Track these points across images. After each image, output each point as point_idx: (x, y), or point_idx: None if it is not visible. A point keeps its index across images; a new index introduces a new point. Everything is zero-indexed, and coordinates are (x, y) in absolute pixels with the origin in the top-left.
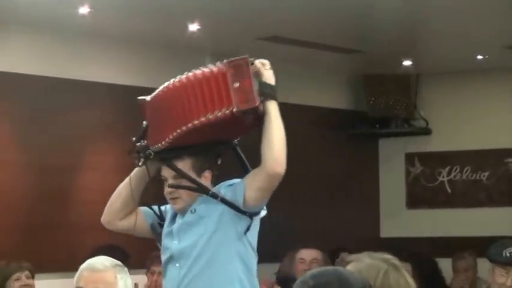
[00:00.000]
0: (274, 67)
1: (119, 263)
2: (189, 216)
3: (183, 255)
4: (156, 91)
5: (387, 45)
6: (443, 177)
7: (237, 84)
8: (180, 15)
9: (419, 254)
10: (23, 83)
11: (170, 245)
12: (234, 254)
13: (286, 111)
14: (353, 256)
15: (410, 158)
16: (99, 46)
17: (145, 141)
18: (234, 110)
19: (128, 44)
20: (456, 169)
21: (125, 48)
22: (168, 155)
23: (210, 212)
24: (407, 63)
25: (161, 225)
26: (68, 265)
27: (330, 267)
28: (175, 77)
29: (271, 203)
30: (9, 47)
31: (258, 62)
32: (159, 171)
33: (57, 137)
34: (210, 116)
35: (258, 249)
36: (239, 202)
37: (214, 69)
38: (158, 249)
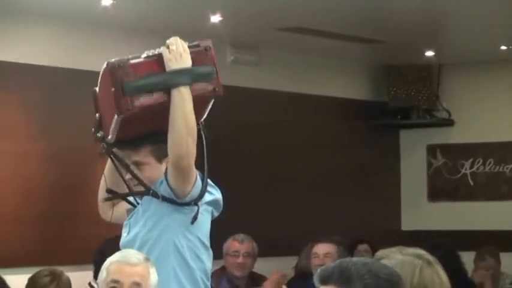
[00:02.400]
0: (296, 58)
1: (148, 257)
2: (138, 209)
3: (127, 248)
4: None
5: (409, 36)
6: (465, 169)
7: (113, 89)
8: (202, 7)
9: (442, 247)
10: (44, 74)
11: (123, 236)
12: (172, 249)
13: (306, 101)
14: (382, 252)
15: (432, 149)
16: (121, 38)
17: (102, 133)
18: (117, 117)
19: (150, 35)
20: (479, 161)
21: (146, 40)
22: (125, 145)
23: (150, 206)
24: (429, 53)
25: None
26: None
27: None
28: None
29: (292, 194)
30: (29, 38)
31: (164, 47)
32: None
33: (77, 128)
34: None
35: (278, 242)
36: (171, 195)
37: (105, 68)
38: None
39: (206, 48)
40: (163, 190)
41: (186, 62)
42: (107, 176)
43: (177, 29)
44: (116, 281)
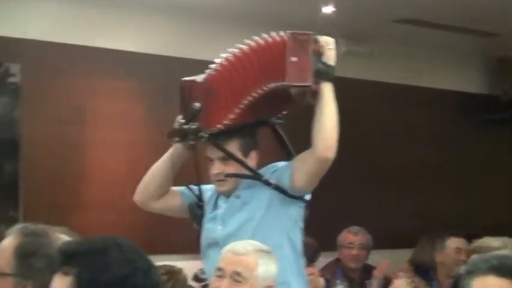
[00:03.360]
0: (408, 50)
1: (265, 248)
2: (233, 201)
3: (229, 242)
4: (207, 72)
5: None
6: None
7: (294, 59)
8: None
9: None
10: (160, 63)
11: (214, 229)
12: (286, 238)
13: (418, 94)
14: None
15: None
16: (233, 28)
17: (197, 124)
18: (285, 83)
19: (261, 25)
20: None
21: (256, 30)
22: (217, 137)
23: (255, 197)
24: None
25: (199, 206)
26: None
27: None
28: None
29: (405, 187)
30: (145, 28)
31: (322, 40)
32: (184, 154)
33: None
34: (264, 88)
35: (392, 234)
36: (287, 186)
37: (277, 38)
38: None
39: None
40: (277, 179)
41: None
42: (175, 165)
43: (289, 19)
44: (220, 269)
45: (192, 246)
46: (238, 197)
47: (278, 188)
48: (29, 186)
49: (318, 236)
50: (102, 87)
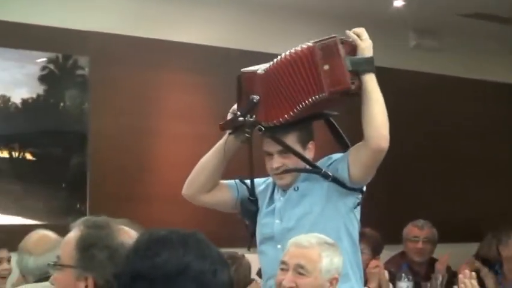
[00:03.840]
0: (477, 44)
1: (330, 241)
2: (292, 194)
3: (286, 236)
4: (267, 65)
5: None
6: None
7: (326, 67)
8: None
9: None
10: (227, 56)
11: (271, 224)
12: (344, 231)
13: (487, 88)
14: None
15: None
16: (302, 21)
17: (254, 116)
18: (325, 94)
19: (331, 19)
20: None
21: (327, 24)
22: (275, 130)
23: (313, 190)
24: None
25: (252, 201)
26: None
27: None
28: (379, 53)
29: (476, 181)
30: (212, 20)
31: (352, 35)
32: (235, 147)
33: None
34: (311, 100)
35: (458, 228)
36: (345, 179)
37: (305, 50)
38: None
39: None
40: (334, 171)
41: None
42: (227, 158)
43: (359, 13)
44: (284, 262)
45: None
46: (296, 189)
47: (336, 181)
48: (96, 178)
49: (382, 228)
50: (169, 79)
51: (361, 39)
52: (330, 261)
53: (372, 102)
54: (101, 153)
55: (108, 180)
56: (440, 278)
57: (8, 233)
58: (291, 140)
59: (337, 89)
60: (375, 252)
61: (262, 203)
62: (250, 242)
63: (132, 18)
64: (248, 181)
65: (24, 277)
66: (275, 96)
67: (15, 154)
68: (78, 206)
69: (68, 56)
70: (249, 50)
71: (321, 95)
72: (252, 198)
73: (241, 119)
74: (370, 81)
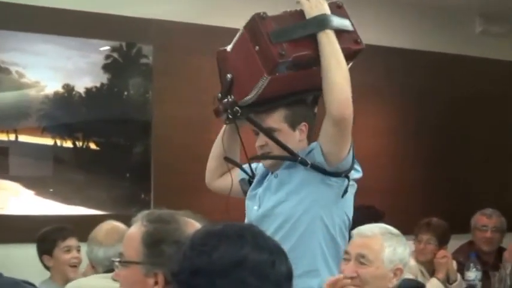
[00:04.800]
0: None
1: (394, 231)
2: (272, 181)
3: (261, 224)
4: (234, 40)
5: None
6: None
7: (257, 48)
8: None
9: None
10: None
11: (251, 209)
12: (319, 223)
13: None
14: None
15: None
16: (371, 9)
17: (232, 97)
18: (266, 75)
19: (397, 5)
20: None
21: (393, 10)
22: (259, 108)
23: (291, 178)
24: None
25: (249, 182)
26: None
27: None
28: (444, 39)
29: None
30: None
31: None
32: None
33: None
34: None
35: None
36: (322, 163)
37: (240, 35)
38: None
39: (338, 4)
40: (314, 158)
41: (326, 9)
42: (225, 143)
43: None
44: (347, 252)
45: None
46: (276, 176)
47: (315, 167)
48: (160, 168)
49: (449, 217)
50: None
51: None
52: (393, 251)
53: (328, 67)
54: (165, 142)
55: (173, 169)
56: (509, 268)
57: (74, 223)
58: (276, 118)
59: (269, 67)
60: (442, 242)
61: (253, 185)
62: None
63: (196, 7)
64: (253, 164)
65: (94, 267)
66: (241, 74)
67: (79, 144)
68: (142, 196)
69: (132, 44)
70: None
71: (264, 78)
72: (252, 179)
73: (224, 101)
74: (324, 43)
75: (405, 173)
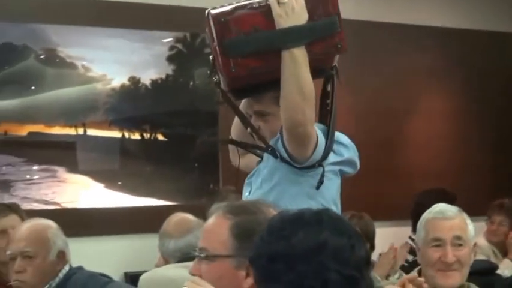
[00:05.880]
0: None
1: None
2: (260, 166)
3: None
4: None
5: None
6: None
7: (215, 44)
8: None
9: None
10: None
11: (244, 196)
12: None
13: None
14: None
15: None
16: None
17: (218, 77)
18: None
19: None
20: None
21: None
22: (248, 91)
23: (266, 166)
24: None
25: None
26: (397, 213)
27: None
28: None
29: None
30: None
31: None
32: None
33: (386, 81)
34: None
35: None
36: (289, 160)
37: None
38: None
39: None
40: (281, 151)
41: (300, 18)
42: (236, 122)
43: None
44: (437, 239)
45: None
46: (263, 161)
47: (284, 160)
48: (228, 158)
49: None
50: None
51: (278, 3)
52: (472, 227)
53: (285, 84)
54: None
55: None
56: None
57: (143, 215)
58: (267, 102)
59: (225, 80)
60: None
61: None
62: None
63: None
64: None
65: (166, 259)
66: (215, 59)
67: (146, 135)
68: (211, 186)
69: (196, 35)
70: (386, 21)
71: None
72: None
73: (214, 79)
74: (286, 63)
75: (472, 155)
